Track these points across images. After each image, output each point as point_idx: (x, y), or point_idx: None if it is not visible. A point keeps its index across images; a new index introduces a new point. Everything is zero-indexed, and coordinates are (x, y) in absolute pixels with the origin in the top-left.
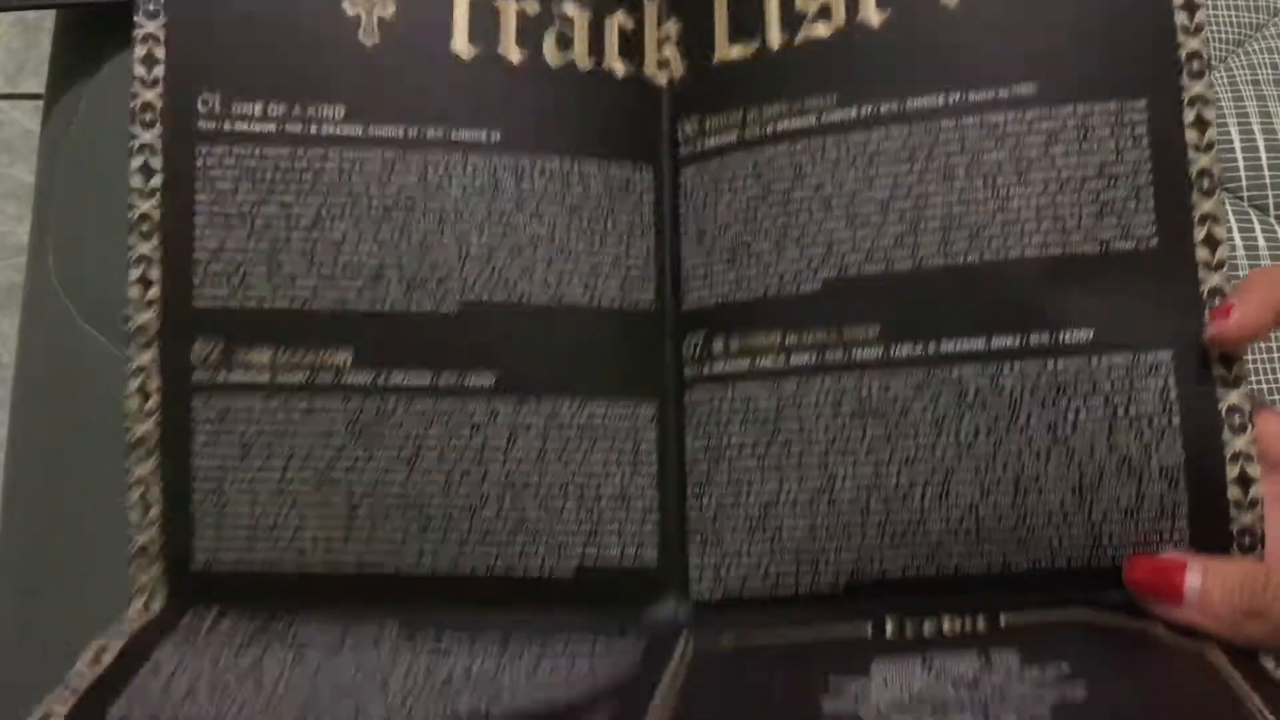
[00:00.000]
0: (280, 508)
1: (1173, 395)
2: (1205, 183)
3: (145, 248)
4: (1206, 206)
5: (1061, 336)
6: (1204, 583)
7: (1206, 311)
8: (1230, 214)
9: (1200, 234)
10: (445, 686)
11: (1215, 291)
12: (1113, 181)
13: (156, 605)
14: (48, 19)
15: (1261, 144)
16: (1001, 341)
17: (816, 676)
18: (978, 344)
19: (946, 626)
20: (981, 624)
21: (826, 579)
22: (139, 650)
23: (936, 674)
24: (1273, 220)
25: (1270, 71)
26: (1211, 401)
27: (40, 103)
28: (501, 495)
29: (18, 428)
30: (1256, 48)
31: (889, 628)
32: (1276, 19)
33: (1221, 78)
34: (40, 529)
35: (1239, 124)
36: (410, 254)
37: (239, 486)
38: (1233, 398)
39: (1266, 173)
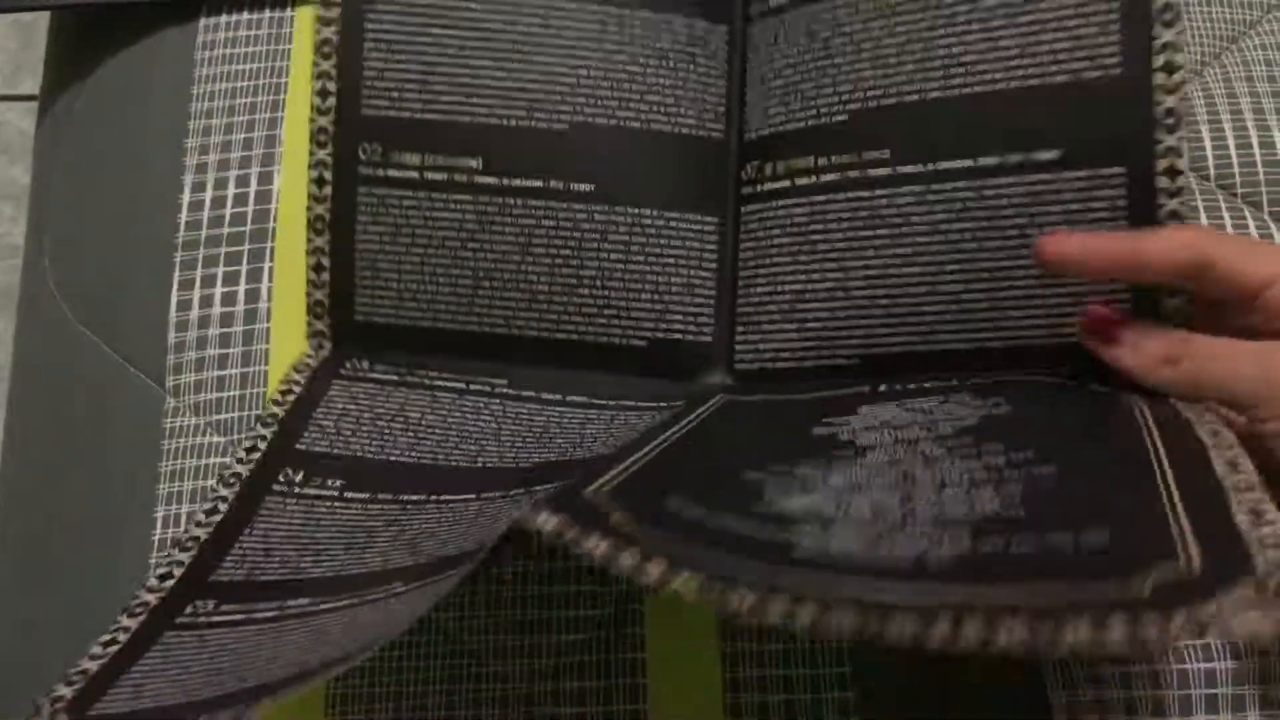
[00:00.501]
0: (421, 279)
1: (1122, 203)
2: (1167, 15)
3: (325, 65)
4: (1167, 36)
5: (1034, 155)
6: (1137, 331)
7: (1162, 128)
8: (1225, 210)
9: (1159, 61)
10: (543, 434)
11: (1171, 111)
12: (1087, 19)
13: (325, 351)
14: (44, 20)
15: (1255, 140)
16: (986, 160)
17: (814, 415)
18: (968, 163)
19: (929, 384)
20: (955, 381)
21: (842, 354)
22: (314, 392)
23: (905, 409)
24: (1266, 217)
25: (1264, 68)
26: (1154, 208)
27: (37, 104)
28: (593, 280)
29: (14, 428)
30: (1250, 44)
31: (884, 386)
32: (1270, 15)
33: (1216, 74)
34: (37, 529)
35: (1233, 121)
36: (533, 81)
37: (390, 260)
38: (1172, 204)
39: (1261, 169)
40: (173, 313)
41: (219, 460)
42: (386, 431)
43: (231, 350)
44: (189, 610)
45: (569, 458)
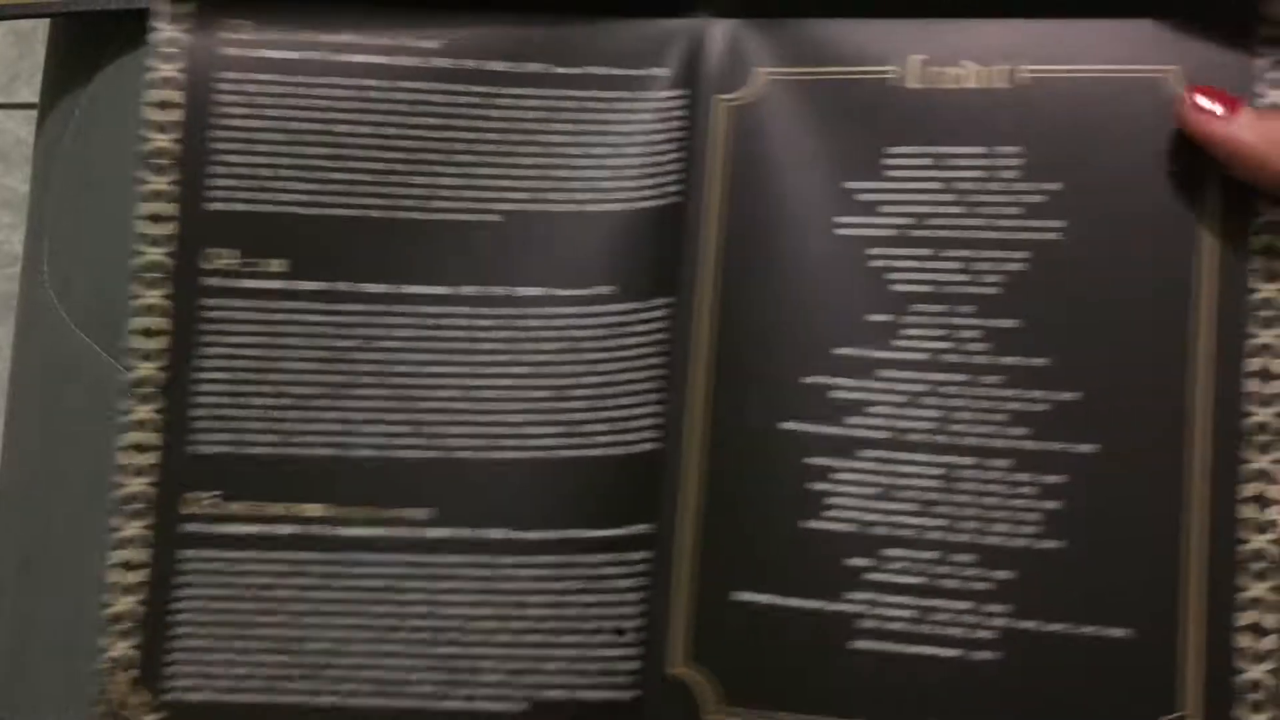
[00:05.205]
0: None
1: None
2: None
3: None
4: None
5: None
6: (1260, 117)
7: None
8: None
9: None
10: None
11: None
12: None
13: None
14: (41, 28)
15: None
16: None
17: None
18: None
19: None
20: None
21: None
22: None
23: None
24: None
25: None
26: None
27: (34, 112)
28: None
29: (12, 436)
30: None
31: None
32: None
33: None
34: (35, 537)
35: None
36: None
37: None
38: None
39: None
40: None
41: None
42: None
43: None
44: (188, 506)
45: None
